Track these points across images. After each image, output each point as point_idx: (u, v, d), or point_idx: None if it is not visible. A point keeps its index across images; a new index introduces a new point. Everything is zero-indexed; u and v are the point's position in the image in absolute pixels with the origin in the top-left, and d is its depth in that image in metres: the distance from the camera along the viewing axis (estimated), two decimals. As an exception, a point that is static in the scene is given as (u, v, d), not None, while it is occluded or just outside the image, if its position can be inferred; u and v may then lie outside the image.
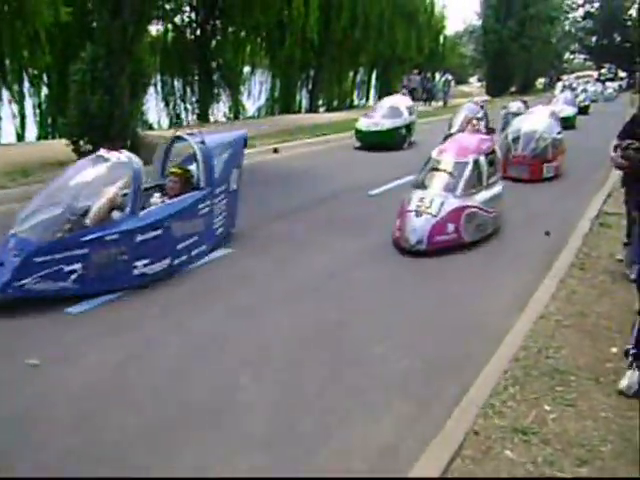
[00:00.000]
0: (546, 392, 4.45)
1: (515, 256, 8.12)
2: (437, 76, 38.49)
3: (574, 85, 44.06)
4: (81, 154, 13.11)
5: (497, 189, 9.18)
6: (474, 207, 8.27)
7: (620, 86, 62.63)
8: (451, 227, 7.99)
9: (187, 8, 25.50)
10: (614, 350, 5.14)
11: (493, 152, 9.61)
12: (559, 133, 14.36)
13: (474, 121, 13.59)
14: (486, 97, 40.39)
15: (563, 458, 3.71)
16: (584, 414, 4.19)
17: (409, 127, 18.71)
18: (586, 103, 32.02)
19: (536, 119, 14.56)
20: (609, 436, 3.94)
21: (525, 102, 19.77)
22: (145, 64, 14.15)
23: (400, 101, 19.77)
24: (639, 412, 4.13)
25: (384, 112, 18.42)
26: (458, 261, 7.80)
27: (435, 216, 7.88)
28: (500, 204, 9.12)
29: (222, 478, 3.63)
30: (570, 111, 24.58)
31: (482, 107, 17.90)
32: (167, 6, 15.83)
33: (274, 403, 4.38)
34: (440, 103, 38.10)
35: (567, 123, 20.94)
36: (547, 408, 4.25)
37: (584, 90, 39.33)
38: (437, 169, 8.69)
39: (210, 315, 5.89)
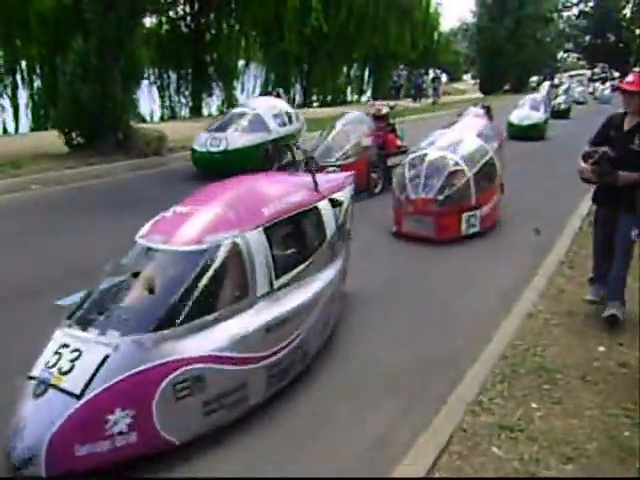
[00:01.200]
0: (533, 390, 4.48)
1: (504, 254, 8.15)
2: (430, 72, 38.24)
3: (555, 82, 43.40)
4: (73, 146, 13.13)
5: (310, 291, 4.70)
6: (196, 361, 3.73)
7: (613, 86, 62.81)
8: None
9: (182, 1, 25.49)
10: (601, 349, 5.18)
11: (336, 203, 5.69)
12: (492, 159, 9.13)
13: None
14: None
15: (549, 455, 3.74)
16: (570, 412, 4.22)
17: (285, 140, 13.04)
18: (564, 106, 28.50)
19: (454, 138, 9.38)
20: (594, 434, 3.98)
21: (487, 108, 12.59)
22: (139, 57, 14.13)
23: (267, 106, 13.88)
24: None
25: (238, 125, 12.84)
26: (448, 254, 7.85)
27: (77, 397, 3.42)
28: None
29: (227, 478, 3.65)
30: (536, 118, 20.79)
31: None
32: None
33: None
34: (430, 100, 37.26)
35: (531, 133, 19.90)
36: (534, 406, 4.28)
37: (567, 90, 38.12)
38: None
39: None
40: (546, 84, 33.97)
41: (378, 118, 11.76)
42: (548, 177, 13.06)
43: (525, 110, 21.07)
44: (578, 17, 79.87)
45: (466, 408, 4.20)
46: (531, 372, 4.74)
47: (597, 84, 53.26)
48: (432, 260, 7.82)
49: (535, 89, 40.88)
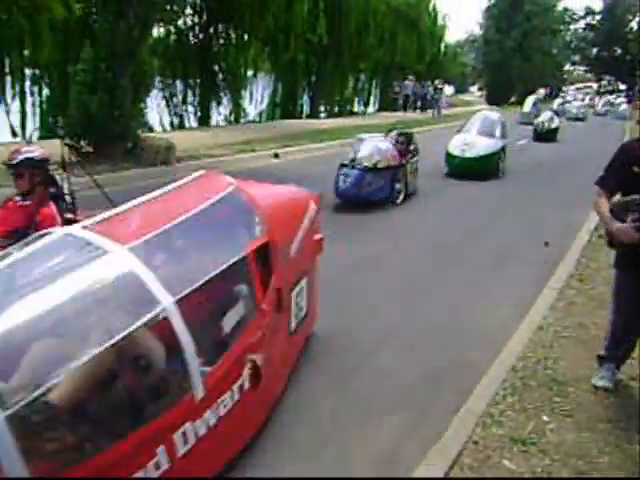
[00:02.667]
0: (544, 403, 4.45)
1: (514, 267, 8.13)
2: (437, 84, 37.97)
3: (540, 97, 42.31)
4: (81, 155, 13.15)
5: None
6: None
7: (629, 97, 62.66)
8: None
9: (190, 11, 25.59)
10: (612, 362, 5.15)
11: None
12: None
13: None
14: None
15: (561, 468, 3.72)
16: (582, 425, 4.19)
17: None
18: (548, 125, 24.10)
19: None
20: (607, 448, 3.94)
21: (406, 135, 12.52)
22: (147, 66, 14.21)
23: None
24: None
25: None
26: (458, 265, 7.83)
27: None
28: None
29: (222, 478, 3.63)
30: (484, 147, 14.81)
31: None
32: (171, 8, 15.79)
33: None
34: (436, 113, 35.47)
35: (477, 168, 14.47)
36: (545, 418, 4.25)
37: (563, 104, 37.61)
38: None
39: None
40: (530, 99, 30.87)
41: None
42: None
43: (471, 135, 15.28)
44: (585, 30, 79.95)
45: (477, 420, 4.18)
46: (542, 385, 4.71)
47: (596, 98, 53.26)
48: (443, 270, 7.81)
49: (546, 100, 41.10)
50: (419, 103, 37.06)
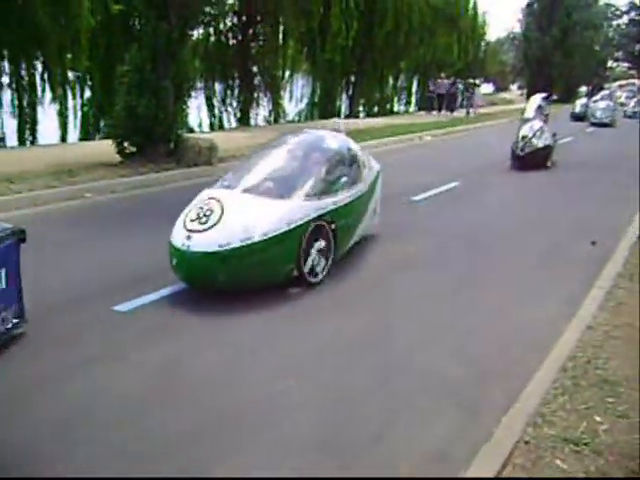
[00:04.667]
0: (596, 403, 4.38)
1: (561, 265, 8.03)
2: (470, 81, 37.04)
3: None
4: (125, 155, 13.34)
5: None
6: None
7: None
8: None
9: (229, 13, 25.78)
10: (664, 362, 5.06)
11: None
12: None
13: None
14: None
15: (616, 470, 3.65)
16: (636, 426, 4.11)
17: None
18: (535, 144, 15.76)
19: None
20: (662, 450, 3.87)
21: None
22: (189, 68, 14.33)
23: None
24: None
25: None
26: (505, 263, 7.76)
27: None
28: None
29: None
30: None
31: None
32: (212, 11, 15.90)
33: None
34: (468, 113, 34.50)
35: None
36: (598, 419, 4.18)
37: (586, 105, 33.91)
38: None
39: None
40: (537, 98, 19.55)
41: None
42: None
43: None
44: (628, 25, 78.52)
45: (528, 420, 4.13)
46: (593, 385, 4.64)
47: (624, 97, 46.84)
48: (490, 269, 7.75)
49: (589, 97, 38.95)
50: (456, 103, 35.40)
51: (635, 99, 41.33)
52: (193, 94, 23.25)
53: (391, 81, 36.90)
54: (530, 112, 18.56)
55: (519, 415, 4.20)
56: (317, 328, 5.76)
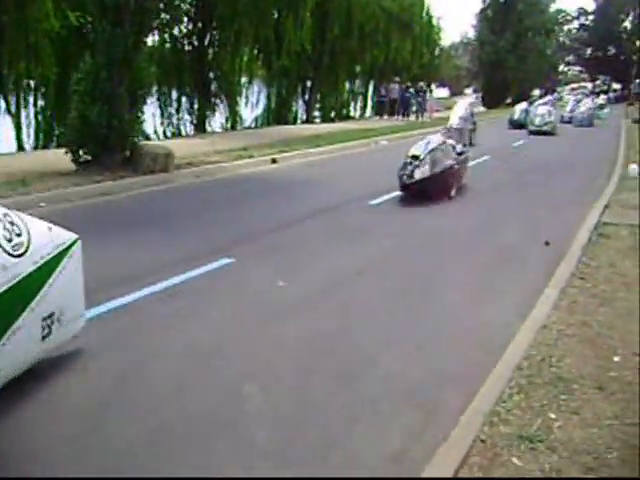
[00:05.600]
0: (551, 400, 4.46)
1: (516, 265, 8.16)
2: (422, 86, 37.20)
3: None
4: (80, 164, 13.18)
5: None
6: None
7: (609, 98, 62.66)
8: None
9: (185, 19, 25.65)
10: (616, 359, 5.17)
11: None
12: None
13: None
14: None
15: (570, 465, 3.72)
16: (589, 422, 4.20)
17: None
18: (440, 166, 11.95)
19: None
20: (615, 444, 3.95)
21: None
22: (144, 74, 14.19)
23: None
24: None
25: None
26: (457, 265, 7.86)
27: None
28: None
29: (222, 478, 3.65)
30: None
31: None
32: (166, 17, 15.78)
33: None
34: (419, 117, 34.79)
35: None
36: (552, 416, 4.26)
37: (526, 111, 31.24)
38: None
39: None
40: (464, 103, 22.01)
41: None
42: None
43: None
44: (579, 30, 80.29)
45: (484, 419, 4.19)
46: (548, 383, 4.72)
47: (572, 98, 45.28)
48: (442, 271, 7.84)
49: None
50: (409, 107, 35.29)
51: (588, 102, 39.27)
52: (149, 101, 23.24)
53: (347, 86, 37.06)
54: (455, 119, 19.44)
55: (475, 415, 4.26)
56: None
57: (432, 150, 11.91)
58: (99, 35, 13.14)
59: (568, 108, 37.97)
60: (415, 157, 11.75)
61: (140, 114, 14.03)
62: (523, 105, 33.49)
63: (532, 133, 28.17)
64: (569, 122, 34.38)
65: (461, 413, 4.29)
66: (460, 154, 13.01)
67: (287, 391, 4.70)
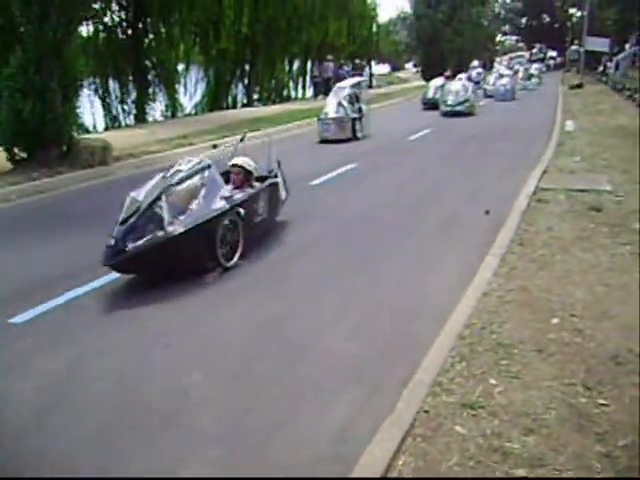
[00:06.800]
0: (491, 366, 4.55)
1: (457, 235, 8.27)
2: (358, 63, 36.72)
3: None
4: (16, 162, 12.88)
5: None
6: None
7: (548, 66, 63.66)
8: None
9: (116, 7, 25.17)
10: (555, 321, 5.29)
11: None
12: None
13: None
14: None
15: (511, 429, 3.81)
16: (528, 384, 4.30)
17: None
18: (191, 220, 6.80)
19: None
20: (553, 404, 4.06)
21: None
22: (77, 66, 13.87)
23: None
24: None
25: None
26: (401, 238, 7.93)
27: None
28: None
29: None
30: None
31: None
32: (95, 6, 15.47)
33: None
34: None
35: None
36: (493, 382, 4.35)
37: (442, 87, 26.98)
38: None
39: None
40: (344, 86, 18.86)
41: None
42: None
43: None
44: (513, 0, 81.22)
45: (427, 390, 4.25)
46: (489, 349, 4.82)
47: (494, 71, 40.78)
48: (388, 243, 7.90)
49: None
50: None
51: (509, 74, 35.73)
52: (87, 92, 22.82)
53: (286, 67, 36.86)
54: (331, 108, 17.60)
55: (419, 386, 4.32)
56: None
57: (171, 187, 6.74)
58: (26, 29, 12.81)
59: (490, 81, 34.92)
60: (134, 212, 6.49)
61: (74, 107, 13.73)
62: (438, 81, 29.35)
63: (445, 115, 24.45)
64: (491, 97, 31.95)
65: (405, 385, 4.35)
66: (271, 176, 8.67)
67: (227, 379, 4.71)
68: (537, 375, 4.42)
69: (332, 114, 17.66)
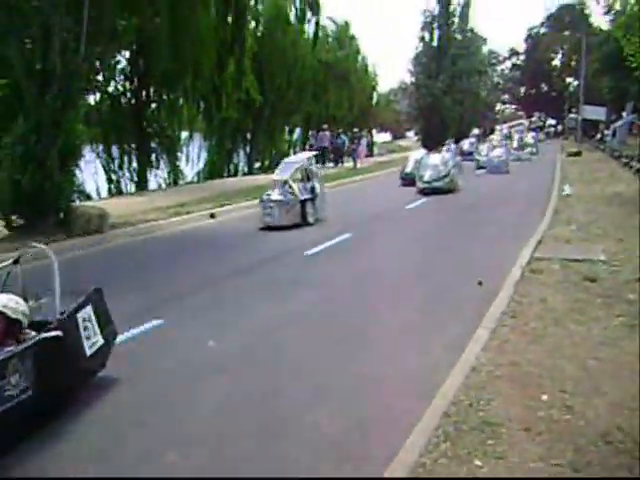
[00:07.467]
0: (477, 447, 4.42)
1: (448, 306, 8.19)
2: (356, 132, 37.67)
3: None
4: (13, 228, 12.95)
5: None
6: None
7: (547, 133, 64.48)
8: None
9: (121, 77, 25.68)
10: (544, 397, 5.17)
11: None
12: None
13: None
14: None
15: (493, 514, 3.69)
16: (514, 467, 4.17)
17: None
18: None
19: None
20: (539, 487, 3.94)
21: None
22: (77, 135, 14.05)
23: None
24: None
25: None
26: (387, 307, 7.85)
27: None
28: None
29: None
30: None
31: None
32: (99, 77, 15.78)
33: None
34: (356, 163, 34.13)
35: None
36: (478, 463, 4.21)
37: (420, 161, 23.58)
38: None
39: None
40: (289, 163, 16.95)
41: None
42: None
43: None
44: (511, 70, 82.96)
45: (409, 471, 4.12)
46: (475, 428, 4.68)
47: (486, 143, 38.46)
48: (375, 312, 7.81)
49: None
50: (342, 155, 34.92)
51: (502, 146, 34.15)
52: (91, 160, 23.10)
53: (286, 136, 37.43)
54: (275, 191, 15.00)
55: (400, 467, 4.19)
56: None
57: None
58: (28, 98, 13.05)
59: (483, 152, 33.37)
60: None
61: (72, 176, 13.88)
62: (418, 154, 27.06)
63: (423, 192, 21.33)
64: (484, 168, 30.42)
65: (386, 467, 4.23)
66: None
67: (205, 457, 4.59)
68: (524, 456, 4.29)
69: (276, 195, 14.90)
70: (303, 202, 15.05)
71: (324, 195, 16.22)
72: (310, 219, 15.17)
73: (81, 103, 15.23)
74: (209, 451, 4.65)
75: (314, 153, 20.08)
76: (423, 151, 28.17)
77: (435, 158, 23.09)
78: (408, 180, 23.55)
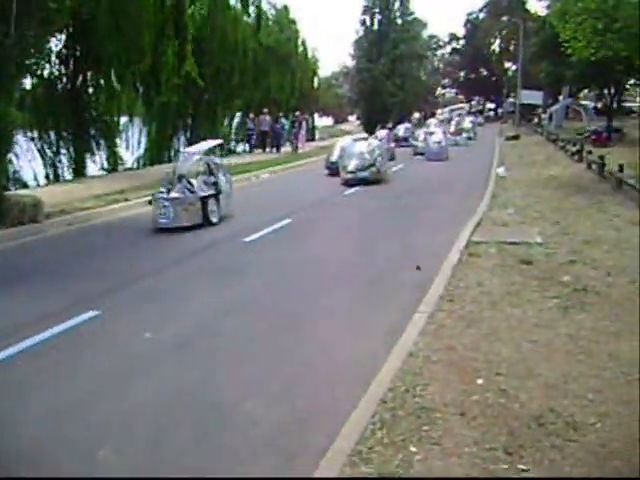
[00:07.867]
0: (412, 433, 4.45)
1: (386, 293, 8.23)
2: (298, 116, 37.56)
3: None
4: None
5: None
6: None
7: (487, 117, 65.43)
8: None
9: (57, 61, 24.97)
10: (480, 381, 5.23)
11: None
12: None
13: None
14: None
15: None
16: (449, 451, 4.21)
17: None
18: None
19: None
20: (473, 471, 3.97)
21: None
22: (10, 121, 13.60)
23: None
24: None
25: None
26: (327, 294, 7.85)
27: None
28: None
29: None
30: None
31: None
32: (29, 61, 15.24)
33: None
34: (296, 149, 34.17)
35: None
36: (413, 449, 4.24)
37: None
38: None
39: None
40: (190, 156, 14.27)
41: None
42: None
43: None
44: (451, 54, 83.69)
45: (345, 460, 4.12)
46: (410, 414, 4.71)
47: (423, 129, 36.83)
48: (312, 302, 7.81)
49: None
50: (281, 139, 34.65)
51: (439, 130, 32.16)
52: (28, 147, 22.46)
53: (227, 121, 37.06)
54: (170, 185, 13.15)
55: (336, 456, 4.18)
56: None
57: None
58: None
59: (420, 137, 32.50)
60: None
61: (4, 164, 13.46)
62: (345, 141, 25.44)
63: (347, 183, 19.99)
64: (422, 154, 29.77)
65: (323, 455, 4.22)
66: None
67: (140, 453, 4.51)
68: (458, 441, 4.34)
69: (171, 193, 12.97)
70: (204, 199, 13.17)
71: (231, 191, 14.51)
72: (213, 218, 13.29)
73: (13, 88, 14.82)
74: (144, 444, 4.59)
75: (218, 142, 18.74)
76: (349, 139, 26.30)
77: (361, 146, 21.51)
78: (334, 169, 22.06)
